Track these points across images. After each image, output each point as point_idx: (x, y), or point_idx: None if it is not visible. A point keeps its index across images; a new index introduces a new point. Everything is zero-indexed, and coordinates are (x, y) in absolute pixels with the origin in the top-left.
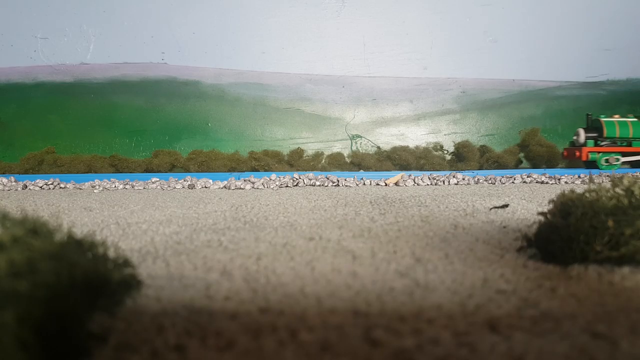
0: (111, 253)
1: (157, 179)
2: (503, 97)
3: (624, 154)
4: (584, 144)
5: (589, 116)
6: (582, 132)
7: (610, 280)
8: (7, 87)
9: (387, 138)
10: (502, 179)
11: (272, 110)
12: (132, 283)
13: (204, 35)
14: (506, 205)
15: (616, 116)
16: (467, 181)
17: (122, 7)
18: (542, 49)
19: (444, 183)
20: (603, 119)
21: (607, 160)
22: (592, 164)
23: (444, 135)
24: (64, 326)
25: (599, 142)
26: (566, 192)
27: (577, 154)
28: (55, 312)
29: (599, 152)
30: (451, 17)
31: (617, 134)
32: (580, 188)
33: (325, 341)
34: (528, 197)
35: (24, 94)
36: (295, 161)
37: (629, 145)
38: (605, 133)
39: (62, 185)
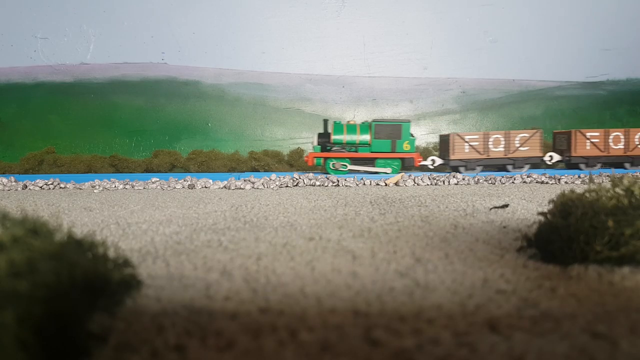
0: (111, 253)
1: (157, 179)
2: (503, 97)
3: (354, 160)
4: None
5: (326, 121)
6: (316, 137)
7: (610, 280)
8: (7, 87)
9: None
10: (502, 179)
11: (272, 110)
12: (132, 283)
13: (204, 35)
14: (506, 205)
15: (351, 121)
16: (467, 181)
17: (122, 7)
18: (542, 49)
19: (444, 183)
20: (333, 123)
21: (333, 165)
22: (323, 170)
23: None
24: (64, 326)
25: (328, 147)
26: (566, 192)
27: (306, 159)
28: (55, 312)
29: (327, 158)
30: (451, 17)
31: (345, 139)
32: (580, 188)
33: (325, 341)
34: (528, 197)
35: (24, 94)
36: (295, 161)
37: (356, 151)
38: (332, 138)
39: (62, 185)
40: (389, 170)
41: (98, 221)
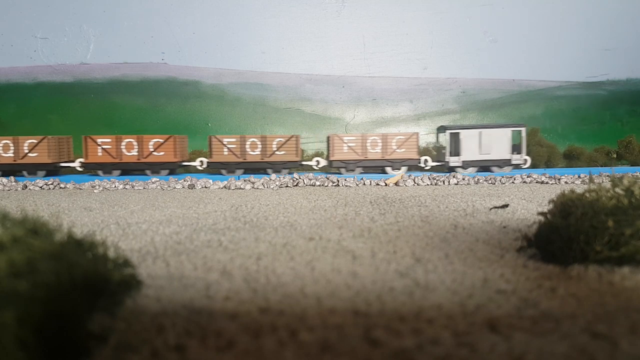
0: (111, 253)
1: (157, 179)
2: (503, 97)
3: None
4: None
5: None
6: None
7: (610, 280)
8: (7, 87)
9: None
10: (502, 179)
11: (272, 110)
12: (132, 283)
13: (204, 35)
14: (506, 205)
15: None
16: (467, 181)
17: (122, 7)
18: (542, 49)
19: (444, 183)
20: None
21: None
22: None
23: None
24: (64, 326)
25: None
26: (566, 192)
27: None
28: (55, 312)
29: None
30: (451, 17)
31: None
32: (580, 188)
33: (325, 341)
34: (528, 197)
35: (24, 94)
36: None
37: None
38: None
39: (62, 185)
40: None
41: (98, 221)
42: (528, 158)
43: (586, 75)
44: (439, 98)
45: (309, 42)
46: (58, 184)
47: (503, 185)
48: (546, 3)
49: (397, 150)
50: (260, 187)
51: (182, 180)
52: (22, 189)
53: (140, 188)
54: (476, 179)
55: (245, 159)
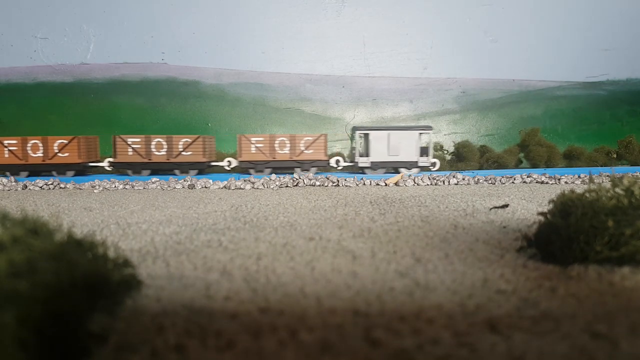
0: (111, 253)
1: (157, 179)
2: (503, 97)
3: None
4: None
5: None
6: None
7: (610, 280)
8: (7, 87)
9: None
10: (502, 179)
11: (272, 110)
12: (132, 283)
13: (204, 35)
14: (506, 205)
15: None
16: (467, 181)
17: (122, 7)
18: (542, 49)
19: (444, 183)
20: None
21: None
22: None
23: (444, 135)
24: (64, 326)
25: None
26: (566, 192)
27: None
28: (55, 312)
29: None
30: (451, 17)
31: None
32: (580, 188)
33: (325, 341)
34: (528, 197)
35: (24, 94)
36: None
37: None
38: None
39: (62, 185)
40: None
41: (98, 221)
42: (437, 161)
43: (586, 75)
44: (439, 98)
45: (309, 42)
46: (58, 184)
47: (503, 185)
48: (546, 3)
49: (306, 152)
50: (260, 187)
51: (182, 181)
52: (22, 189)
53: (140, 188)
54: (476, 179)
55: (150, 160)
